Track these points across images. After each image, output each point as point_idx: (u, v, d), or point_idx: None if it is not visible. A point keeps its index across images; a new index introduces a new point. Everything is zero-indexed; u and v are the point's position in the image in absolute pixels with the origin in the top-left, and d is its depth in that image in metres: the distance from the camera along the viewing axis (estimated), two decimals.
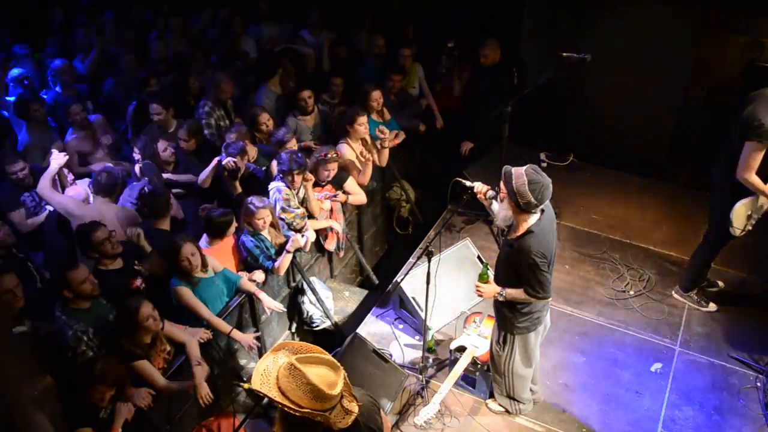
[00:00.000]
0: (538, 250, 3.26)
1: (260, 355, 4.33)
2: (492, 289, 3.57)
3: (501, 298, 3.52)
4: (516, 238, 3.36)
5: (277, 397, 2.06)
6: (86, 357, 3.49)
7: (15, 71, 6.13)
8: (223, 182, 4.74)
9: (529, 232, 3.29)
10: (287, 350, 2.19)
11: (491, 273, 3.86)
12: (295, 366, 2.06)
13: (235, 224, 4.33)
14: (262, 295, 4.26)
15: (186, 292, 3.96)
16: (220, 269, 4.21)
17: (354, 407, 2.17)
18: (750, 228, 4.38)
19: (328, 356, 2.17)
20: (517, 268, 3.37)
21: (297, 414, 2.04)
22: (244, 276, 4.32)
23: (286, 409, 2.06)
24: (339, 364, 2.17)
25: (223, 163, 4.61)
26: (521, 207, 3.24)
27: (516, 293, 3.45)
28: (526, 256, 3.28)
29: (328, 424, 2.08)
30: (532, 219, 3.31)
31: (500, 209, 3.44)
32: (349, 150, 5.31)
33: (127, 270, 3.99)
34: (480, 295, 3.67)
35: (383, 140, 5.39)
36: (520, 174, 3.20)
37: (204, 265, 4.04)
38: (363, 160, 5.30)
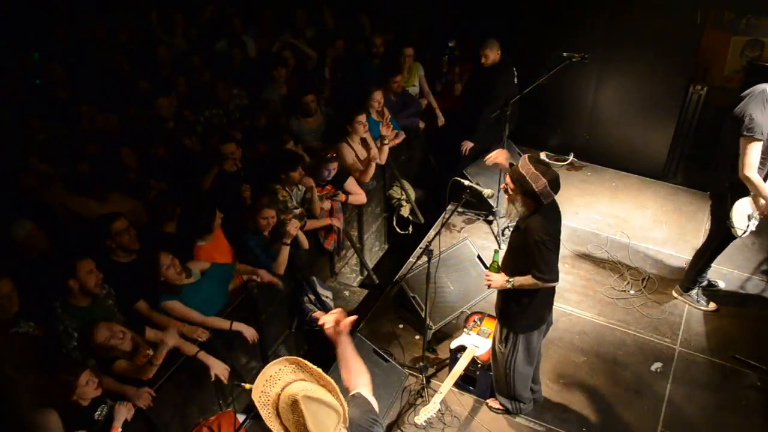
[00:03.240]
0: (544, 228, 3.31)
1: (260, 351, 4.33)
2: (501, 278, 3.57)
3: (509, 286, 3.52)
4: (522, 220, 3.41)
5: (270, 416, 2.04)
6: (75, 355, 3.45)
7: None
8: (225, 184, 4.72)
9: (534, 212, 3.33)
10: (298, 367, 2.16)
11: (501, 256, 3.80)
12: (298, 403, 2.02)
13: (219, 217, 4.21)
14: (261, 271, 4.20)
15: (175, 305, 3.88)
16: (207, 267, 4.13)
17: None
18: (753, 228, 4.37)
19: (337, 400, 2.11)
20: (525, 249, 3.39)
21: None
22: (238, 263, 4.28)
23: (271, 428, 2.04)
24: (346, 409, 2.13)
25: (224, 165, 4.60)
26: (540, 202, 3.29)
27: (524, 280, 3.46)
28: (532, 235, 3.31)
29: None
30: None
31: (510, 207, 3.44)
32: (348, 150, 5.32)
33: (140, 264, 3.97)
34: (488, 285, 3.65)
35: (385, 138, 5.38)
36: (535, 175, 3.22)
37: (185, 272, 3.97)
38: (363, 159, 5.29)
